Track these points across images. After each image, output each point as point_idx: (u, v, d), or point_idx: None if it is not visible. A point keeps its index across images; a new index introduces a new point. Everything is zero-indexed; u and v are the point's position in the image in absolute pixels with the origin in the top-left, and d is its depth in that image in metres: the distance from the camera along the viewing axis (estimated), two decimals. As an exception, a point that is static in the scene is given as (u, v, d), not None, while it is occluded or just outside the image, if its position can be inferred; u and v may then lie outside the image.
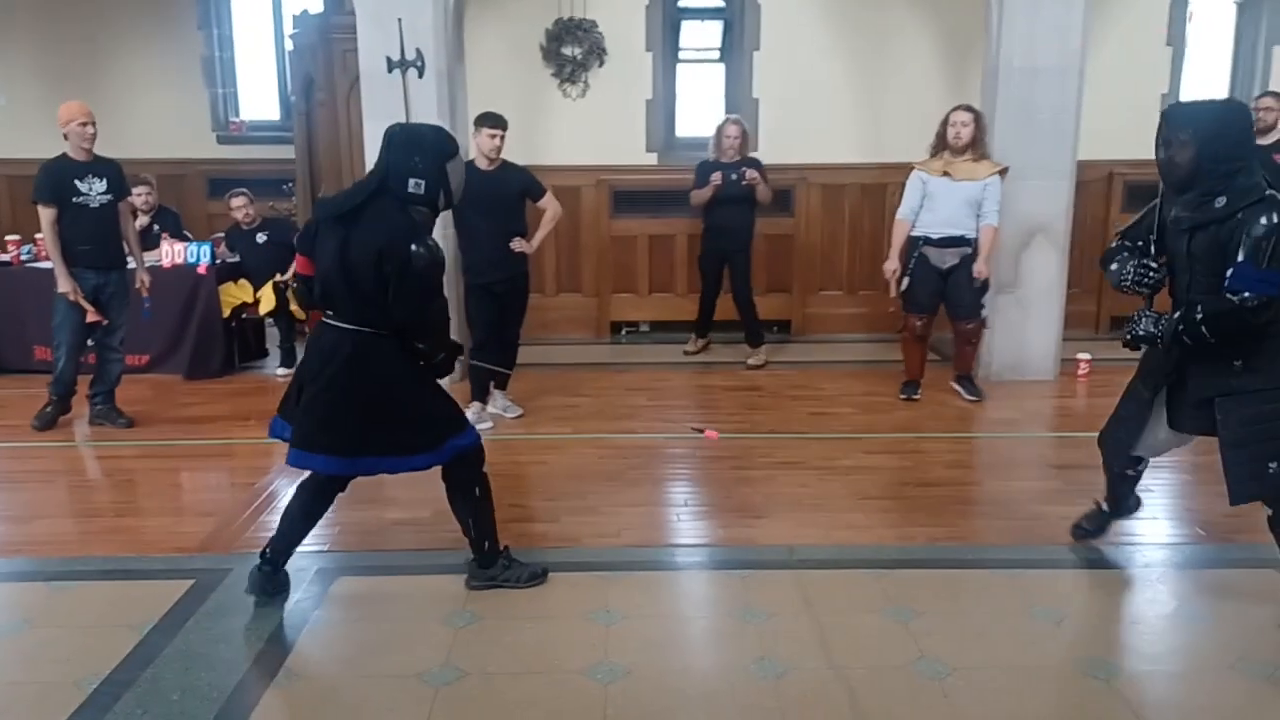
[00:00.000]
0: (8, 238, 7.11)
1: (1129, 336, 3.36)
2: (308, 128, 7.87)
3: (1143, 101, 7.86)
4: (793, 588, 3.66)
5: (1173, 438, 3.53)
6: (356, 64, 6.34)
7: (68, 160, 5.48)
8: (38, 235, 6.00)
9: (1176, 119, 3.21)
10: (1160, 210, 3.34)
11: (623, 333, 8.17)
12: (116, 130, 8.08)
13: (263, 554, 3.55)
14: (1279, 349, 3.17)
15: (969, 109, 5.97)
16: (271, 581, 3.56)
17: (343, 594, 3.67)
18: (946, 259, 5.95)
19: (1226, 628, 3.40)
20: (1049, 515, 4.38)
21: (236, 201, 7.11)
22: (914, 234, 5.99)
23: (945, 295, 6.03)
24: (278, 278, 6.92)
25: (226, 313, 6.94)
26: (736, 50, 8.06)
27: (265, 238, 7.10)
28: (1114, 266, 3.42)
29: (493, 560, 3.64)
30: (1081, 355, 6.70)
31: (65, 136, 5.47)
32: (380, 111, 5.95)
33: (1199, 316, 3.11)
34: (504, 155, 5.56)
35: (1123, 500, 3.85)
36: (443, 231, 5.91)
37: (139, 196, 7.01)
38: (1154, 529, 4.22)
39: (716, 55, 8.25)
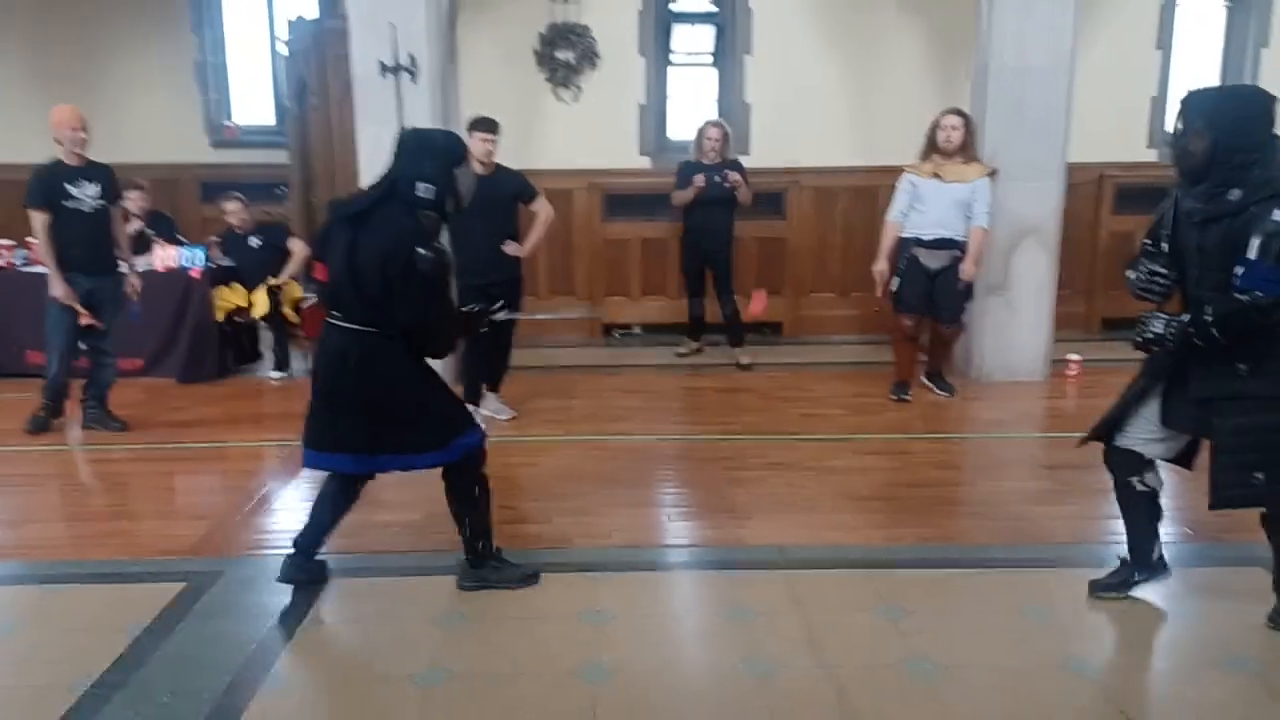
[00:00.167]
0: (0, 242, 7.12)
1: (1139, 339, 3.23)
2: (301, 132, 7.89)
3: (1132, 104, 7.92)
4: (782, 588, 3.68)
5: (1162, 434, 3.33)
6: (350, 68, 6.36)
7: (60, 165, 5.49)
8: (30, 239, 6.01)
9: (1193, 106, 3.07)
10: (1175, 203, 3.22)
11: (615, 335, 8.19)
12: (110, 135, 8.10)
13: (295, 542, 3.64)
14: None
15: (959, 113, 6.01)
16: (302, 569, 3.62)
17: (334, 596, 3.68)
18: (937, 261, 5.98)
19: (1214, 625, 3.42)
20: (1038, 515, 4.41)
21: (230, 206, 7.13)
22: (905, 235, 6.03)
23: (931, 296, 6.07)
24: (271, 281, 6.94)
25: (220, 316, 6.95)
26: (728, 54, 8.09)
27: (259, 242, 7.11)
28: (1130, 274, 3.28)
29: (485, 561, 3.66)
30: (1071, 356, 6.74)
31: (57, 141, 5.48)
32: (373, 116, 5.98)
33: (1208, 318, 3.01)
34: (497, 159, 5.58)
35: (1141, 539, 3.49)
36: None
37: (132, 201, 7.02)
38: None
39: (708, 59, 8.28)
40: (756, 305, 4.60)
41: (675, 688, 3.07)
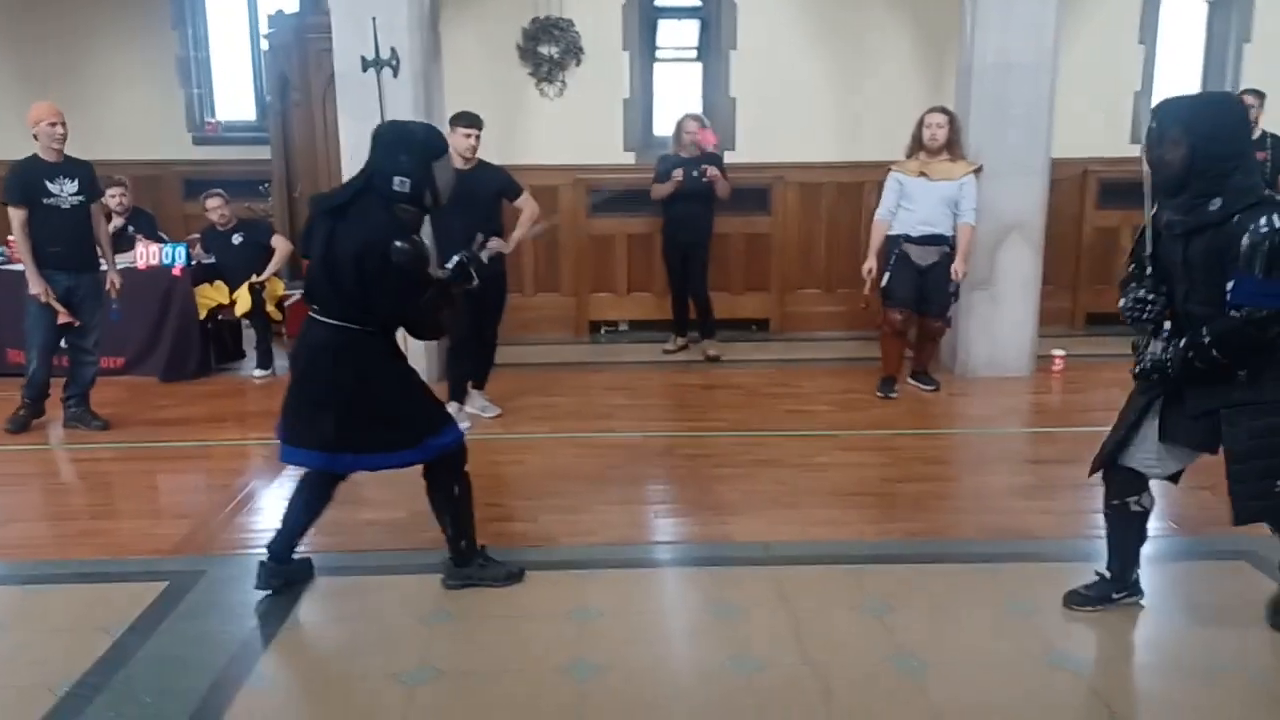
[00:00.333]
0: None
1: (1138, 370, 3.12)
2: (283, 128, 7.85)
3: (1116, 99, 7.95)
4: (769, 584, 3.67)
5: (1165, 454, 3.20)
6: (332, 64, 6.32)
7: (38, 161, 5.44)
8: (9, 237, 5.95)
9: (1166, 115, 2.97)
10: (1154, 217, 3.11)
11: (601, 332, 8.17)
12: (91, 131, 8.02)
13: (269, 547, 3.62)
14: None
15: (944, 110, 6.03)
16: (278, 574, 3.60)
17: (318, 595, 3.66)
18: (927, 257, 6.00)
19: (1198, 619, 3.43)
20: (1023, 510, 4.43)
21: (212, 203, 7.07)
22: (894, 233, 6.04)
23: (921, 291, 6.08)
24: (254, 279, 6.90)
25: (202, 314, 6.90)
26: (713, 49, 8.08)
27: (241, 239, 7.06)
28: (1121, 301, 3.17)
29: (469, 559, 3.64)
30: (1056, 351, 6.76)
31: (35, 137, 5.42)
32: (356, 111, 5.94)
33: (1206, 339, 2.90)
34: (481, 155, 5.55)
35: (1124, 558, 3.40)
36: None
37: (113, 198, 6.97)
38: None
39: (693, 54, 8.27)
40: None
41: (662, 685, 3.06)
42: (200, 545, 4.13)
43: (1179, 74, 8.19)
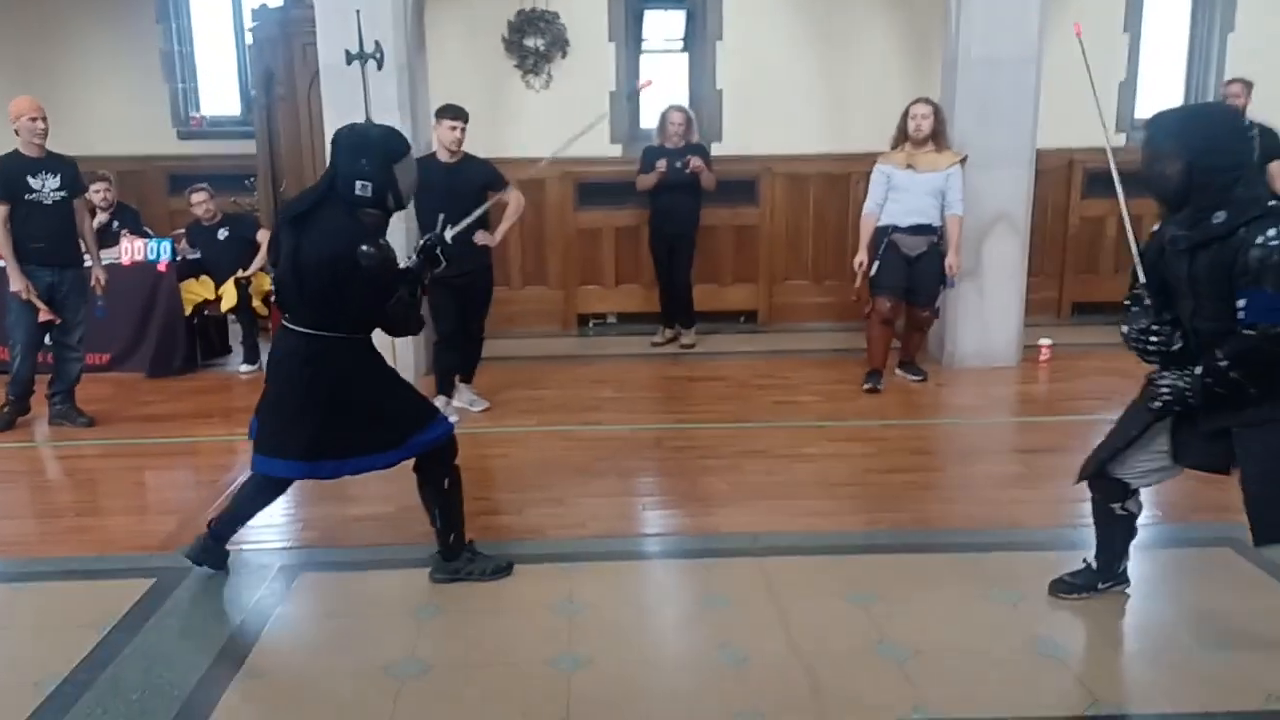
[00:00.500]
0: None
1: (1158, 405, 2.96)
2: (269, 122, 7.81)
3: (1100, 90, 7.94)
4: (756, 575, 3.69)
5: (1162, 469, 3.15)
6: (317, 57, 6.29)
7: (20, 156, 5.41)
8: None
9: (1159, 129, 2.88)
10: (1157, 233, 3.02)
11: (590, 325, 8.17)
12: (75, 126, 7.99)
13: (209, 524, 3.65)
14: None
15: (928, 101, 6.05)
16: (211, 552, 3.64)
17: (306, 590, 3.66)
18: (915, 247, 6.02)
19: (1182, 606, 3.46)
20: (1009, 500, 4.45)
21: (197, 197, 7.04)
22: (882, 223, 6.05)
23: (909, 281, 6.10)
24: (240, 274, 6.87)
25: (188, 310, 6.88)
26: (699, 40, 8.07)
27: (226, 234, 7.04)
28: (1124, 328, 3.06)
29: (457, 553, 3.64)
30: (1043, 341, 6.78)
31: (16, 132, 5.39)
32: (341, 105, 5.91)
33: (1224, 364, 2.77)
34: (466, 148, 5.54)
35: (1110, 554, 3.39)
36: (405, 223, 5.91)
37: (97, 193, 6.94)
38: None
39: (679, 46, 8.25)
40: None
41: (649, 676, 3.07)
42: (187, 541, 4.09)
43: (1164, 64, 8.22)
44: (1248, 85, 6.75)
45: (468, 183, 5.46)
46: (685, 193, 7.06)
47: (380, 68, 5.93)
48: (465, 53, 7.72)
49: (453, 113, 5.47)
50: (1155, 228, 3.06)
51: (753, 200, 7.97)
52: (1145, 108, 8.02)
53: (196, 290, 6.96)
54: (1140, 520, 4.11)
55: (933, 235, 6.03)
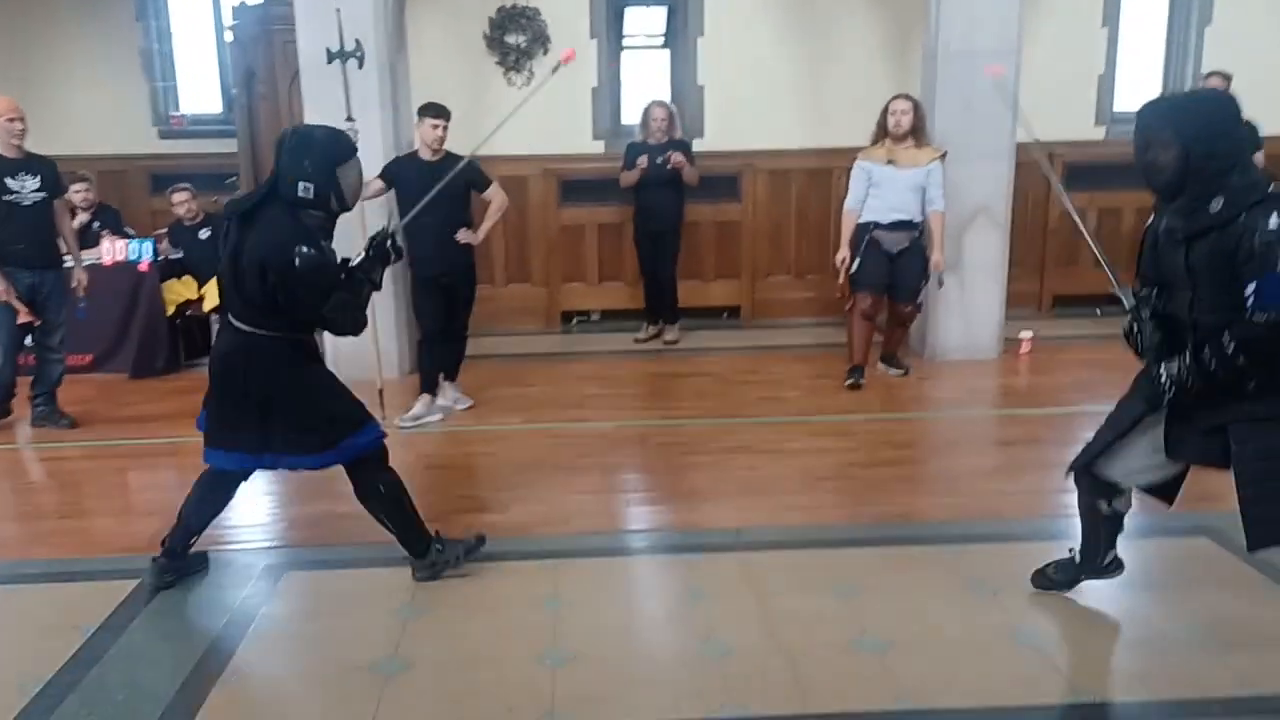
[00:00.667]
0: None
1: (1168, 400, 2.86)
2: (250, 121, 7.78)
3: (1080, 82, 8.02)
4: (739, 569, 3.71)
5: (1154, 466, 3.05)
6: (298, 55, 6.27)
7: (-2, 157, 5.38)
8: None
9: (1152, 117, 2.79)
10: (1152, 224, 2.96)
11: (573, 322, 8.18)
12: (54, 126, 7.95)
13: (162, 542, 3.63)
14: None
15: (907, 98, 6.08)
16: (171, 570, 3.62)
17: (290, 589, 3.67)
18: (897, 243, 6.05)
19: (1161, 595, 3.50)
20: (991, 491, 4.49)
21: (178, 197, 7.02)
22: (863, 220, 6.08)
23: (891, 277, 6.13)
24: (222, 273, 6.84)
25: (171, 310, 6.86)
26: (680, 36, 8.08)
27: (208, 233, 7.01)
28: (1123, 325, 2.99)
29: (427, 549, 3.63)
30: (1024, 333, 6.83)
31: (-7, 133, 5.37)
32: (321, 104, 5.89)
33: (1230, 348, 2.67)
34: (448, 146, 5.54)
35: (1093, 547, 3.34)
36: (388, 223, 5.90)
37: (77, 193, 6.91)
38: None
39: (661, 42, 8.26)
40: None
41: (633, 671, 3.09)
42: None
43: (1142, 57, 8.27)
44: (1226, 78, 6.80)
45: (451, 181, 5.46)
46: (668, 188, 7.09)
47: (361, 66, 5.92)
48: (446, 50, 7.71)
49: (434, 111, 5.47)
50: (1149, 221, 2.99)
51: (735, 196, 8.00)
52: (1124, 101, 8.08)
53: (179, 290, 6.94)
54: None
55: (914, 231, 6.06)
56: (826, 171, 7.85)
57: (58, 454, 5.34)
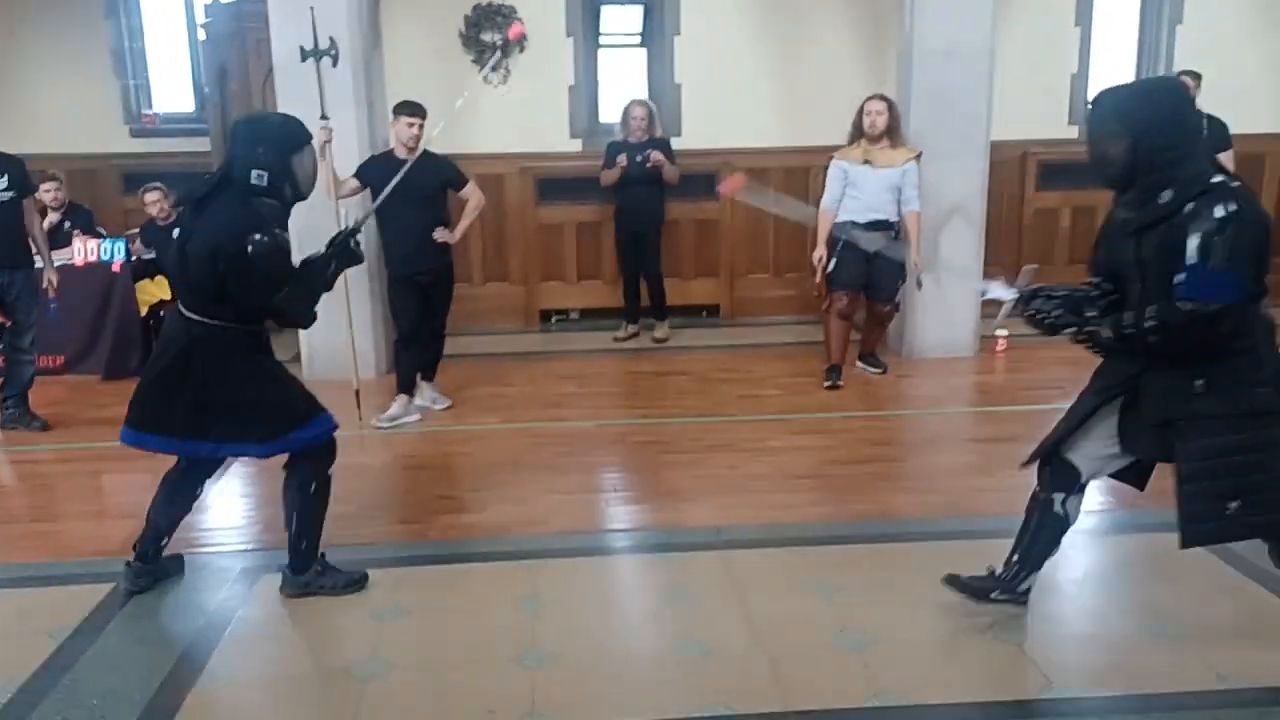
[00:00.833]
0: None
1: (1041, 321, 2.97)
2: (223, 120, 7.70)
3: (1053, 81, 8.08)
4: (719, 568, 3.72)
5: (1113, 455, 3.05)
6: (271, 53, 6.23)
7: (-35, 157, 5.32)
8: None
9: (1103, 107, 2.80)
10: (1107, 215, 2.97)
11: (552, 321, 8.16)
12: (23, 125, 7.86)
13: (133, 547, 3.61)
14: (1245, 367, 2.75)
15: (882, 98, 6.11)
16: (142, 574, 3.59)
17: (268, 593, 3.63)
18: (873, 243, 6.05)
19: (1134, 590, 3.54)
20: (968, 488, 4.51)
21: (151, 196, 6.96)
22: (840, 219, 6.09)
23: (867, 277, 6.15)
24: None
25: (144, 310, 6.79)
26: (657, 35, 8.08)
27: (182, 233, 6.94)
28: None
29: (307, 564, 3.54)
30: (1000, 332, 6.86)
31: (-38, 132, 5.30)
32: (295, 102, 5.81)
33: (1150, 323, 2.70)
34: (425, 144, 5.50)
35: (1024, 562, 3.22)
36: (351, 223, 5.86)
37: (47, 193, 6.83)
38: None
39: (637, 40, 8.25)
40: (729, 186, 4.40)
41: (614, 671, 3.09)
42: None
43: (1114, 56, 8.34)
44: (1196, 76, 6.87)
45: (428, 180, 5.44)
46: (649, 187, 7.10)
47: (335, 64, 5.87)
48: (422, 48, 7.66)
49: (410, 109, 5.44)
50: (1108, 212, 3.00)
51: (713, 194, 7.98)
52: (1097, 100, 8.14)
53: (152, 291, 6.86)
54: (1095, 508, 4.22)
55: (890, 231, 6.08)
56: (804, 170, 7.85)
57: (29, 457, 5.27)
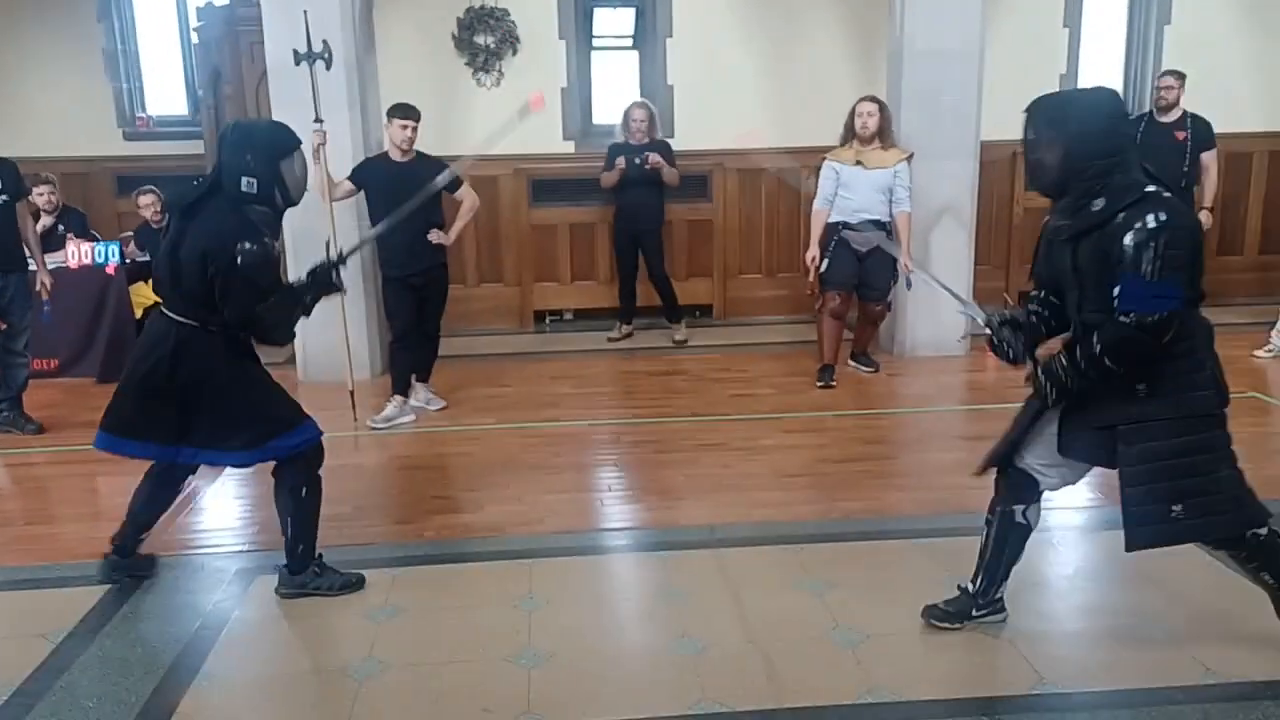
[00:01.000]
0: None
1: (1034, 388, 2.92)
2: (216, 123, 7.71)
3: (1042, 82, 8.07)
4: (713, 566, 3.74)
5: (1058, 463, 3.04)
6: (264, 56, 6.24)
7: (-45, 160, 5.32)
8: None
9: (1038, 115, 2.80)
10: (1044, 224, 2.96)
11: (546, 321, 8.18)
12: (16, 128, 7.86)
13: (111, 540, 3.66)
14: (1185, 371, 2.76)
15: (874, 99, 6.15)
16: (119, 568, 3.65)
17: (263, 593, 3.64)
18: (865, 243, 6.10)
19: (1124, 586, 3.56)
20: (959, 486, 4.52)
21: (144, 199, 6.97)
22: (832, 220, 6.13)
23: (860, 277, 6.18)
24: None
25: (139, 313, 6.78)
26: (649, 37, 8.10)
27: (176, 235, 6.94)
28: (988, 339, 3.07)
29: (304, 566, 3.56)
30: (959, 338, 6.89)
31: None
32: (289, 105, 5.84)
33: (1097, 349, 2.70)
34: (419, 146, 5.53)
35: (993, 573, 3.21)
36: (357, 224, 5.89)
37: (41, 196, 6.82)
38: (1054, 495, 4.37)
39: (629, 42, 8.28)
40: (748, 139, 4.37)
41: (609, 670, 3.11)
42: (143, 546, 4.07)
43: (1103, 57, 8.38)
44: (1180, 76, 6.92)
45: (420, 182, 5.43)
46: (648, 189, 7.13)
47: (329, 67, 5.89)
48: (415, 51, 7.68)
49: (404, 112, 5.46)
50: (1044, 220, 2.99)
51: (706, 195, 8.03)
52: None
53: (146, 293, 6.86)
54: (1083, 505, 4.26)
55: (882, 231, 6.10)
56: (795, 171, 7.88)
57: (24, 460, 5.28)
